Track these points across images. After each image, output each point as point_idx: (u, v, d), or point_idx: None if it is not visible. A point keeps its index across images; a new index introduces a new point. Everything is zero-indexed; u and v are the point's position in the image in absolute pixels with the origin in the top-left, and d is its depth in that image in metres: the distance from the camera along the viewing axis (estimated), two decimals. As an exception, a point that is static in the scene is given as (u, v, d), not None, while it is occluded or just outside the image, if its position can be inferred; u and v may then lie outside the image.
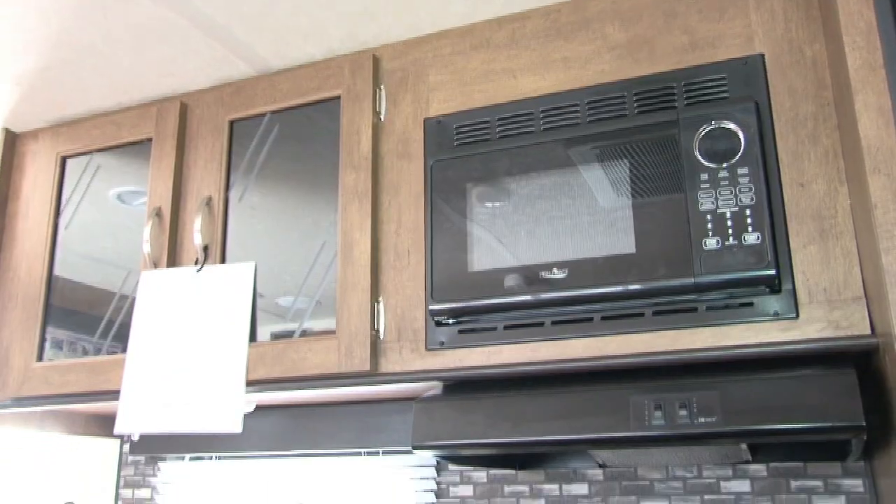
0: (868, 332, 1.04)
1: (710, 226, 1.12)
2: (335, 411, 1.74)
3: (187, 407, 1.36)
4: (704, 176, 1.14)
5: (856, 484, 1.37)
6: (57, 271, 1.65)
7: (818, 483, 1.39)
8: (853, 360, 1.08)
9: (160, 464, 1.96)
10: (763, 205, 1.10)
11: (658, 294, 1.13)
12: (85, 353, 1.58)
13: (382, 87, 1.44)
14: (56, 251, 1.66)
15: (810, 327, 1.07)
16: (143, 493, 1.96)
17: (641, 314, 1.15)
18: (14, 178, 1.76)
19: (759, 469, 1.43)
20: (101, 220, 1.63)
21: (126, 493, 1.99)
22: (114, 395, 1.48)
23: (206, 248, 1.48)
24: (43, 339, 1.62)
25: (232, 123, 1.55)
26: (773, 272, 1.07)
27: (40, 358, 1.60)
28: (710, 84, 1.19)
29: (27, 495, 1.92)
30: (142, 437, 1.93)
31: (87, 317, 1.59)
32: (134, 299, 1.51)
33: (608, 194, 1.19)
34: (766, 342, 1.09)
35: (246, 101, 1.54)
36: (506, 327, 1.23)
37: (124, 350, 1.50)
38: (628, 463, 1.49)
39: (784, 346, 1.08)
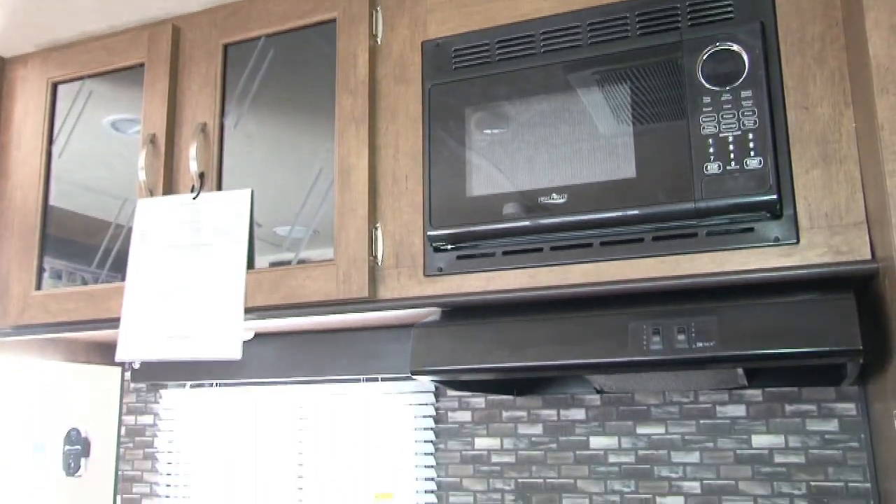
0: (868, 257, 1.04)
1: (711, 150, 1.10)
2: (334, 338, 1.75)
3: (187, 334, 1.37)
4: (707, 99, 1.12)
5: (848, 408, 1.39)
6: (52, 201, 1.64)
7: (812, 407, 1.41)
8: (852, 285, 1.08)
9: (162, 391, 1.98)
10: (766, 129, 1.08)
11: (658, 219, 1.12)
12: (84, 283, 1.57)
13: (379, 9, 1.40)
14: (50, 180, 1.65)
15: (810, 252, 1.07)
16: (146, 419, 1.99)
17: (641, 240, 1.15)
18: (4, 105, 1.73)
19: (754, 394, 1.45)
20: (95, 148, 1.61)
21: (129, 419, 2.01)
22: (113, 322, 1.48)
23: (201, 176, 1.47)
24: (41, 268, 1.61)
25: (226, 48, 1.52)
26: (774, 197, 1.06)
27: (39, 286, 1.60)
28: (715, 4, 1.16)
29: (32, 423, 1.95)
30: (143, 364, 1.95)
31: (85, 246, 1.59)
32: (130, 228, 1.50)
33: (609, 120, 1.17)
34: (765, 267, 1.08)
35: (240, 25, 1.50)
36: (504, 253, 1.22)
37: (123, 279, 1.50)
38: (625, 388, 1.50)
39: (784, 272, 1.07)
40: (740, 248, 1.10)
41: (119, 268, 1.53)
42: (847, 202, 1.06)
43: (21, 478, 1.90)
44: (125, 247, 1.52)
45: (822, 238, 1.07)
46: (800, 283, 1.10)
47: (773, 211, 1.08)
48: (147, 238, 1.45)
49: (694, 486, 1.46)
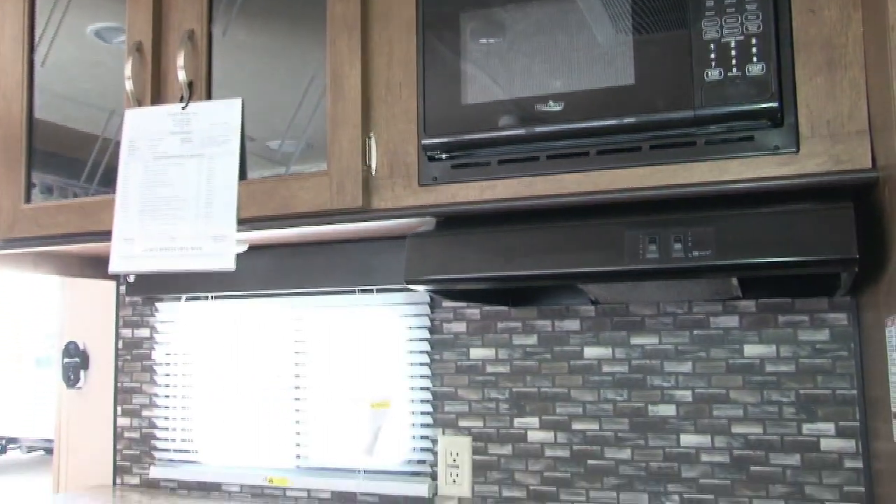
0: (869, 165, 1.03)
1: (713, 56, 1.07)
2: (328, 250, 1.74)
3: (179, 246, 1.36)
4: (710, 3, 1.08)
5: (840, 318, 1.40)
6: (38, 113, 1.60)
7: (804, 317, 1.42)
8: (851, 194, 1.07)
9: (157, 304, 1.99)
10: (770, 33, 1.05)
11: (656, 127, 1.10)
12: (76, 197, 1.55)
13: None
14: (34, 91, 1.60)
15: (810, 161, 1.05)
16: (143, 332, 2.00)
17: (638, 148, 1.13)
18: (-17, 11, 1.67)
19: (748, 305, 1.46)
20: (79, 58, 1.56)
21: (126, 332, 2.03)
22: (105, 235, 1.47)
23: (190, 85, 1.43)
24: (29, 181, 1.59)
25: (211, -51, 1.46)
26: (775, 105, 1.04)
27: (28, 200, 1.58)
28: None
29: (32, 336, 1.96)
30: (137, 278, 1.95)
31: (73, 160, 1.56)
32: (119, 142, 1.47)
33: (607, 27, 1.13)
34: (764, 176, 1.07)
35: (224, -75, 1.44)
36: (500, 162, 1.20)
37: (114, 192, 1.48)
38: (620, 299, 1.51)
39: (783, 181, 1.06)
40: (739, 157, 1.08)
41: (109, 182, 1.51)
42: (850, 110, 1.04)
43: (25, 390, 1.92)
44: (114, 160, 1.49)
45: (822, 147, 1.05)
46: (798, 193, 1.09)
47: (774, 119, 1.06)
48: (136, 149, 1.43)
49: (685, 395, 1.48)
